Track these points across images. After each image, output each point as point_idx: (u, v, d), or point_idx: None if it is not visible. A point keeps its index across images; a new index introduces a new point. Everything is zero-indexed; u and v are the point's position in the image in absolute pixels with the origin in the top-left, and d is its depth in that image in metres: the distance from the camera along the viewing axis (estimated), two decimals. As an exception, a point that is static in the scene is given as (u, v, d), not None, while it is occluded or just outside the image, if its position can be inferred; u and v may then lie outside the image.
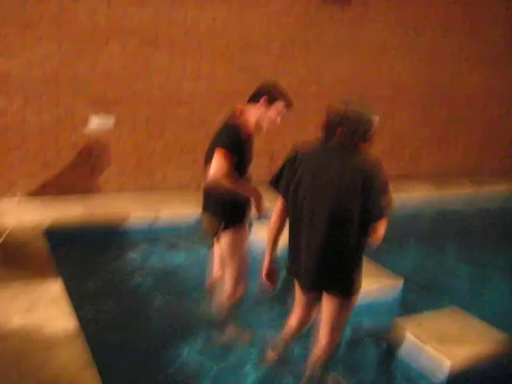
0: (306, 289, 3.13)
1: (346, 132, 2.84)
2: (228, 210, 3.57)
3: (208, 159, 3.45)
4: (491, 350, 3.42)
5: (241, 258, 3.70)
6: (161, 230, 5.57)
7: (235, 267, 3.71)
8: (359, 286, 3.03)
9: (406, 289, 4.43)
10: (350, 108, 2.87)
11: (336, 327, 3.15)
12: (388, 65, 7.59)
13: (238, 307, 3.86)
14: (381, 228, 2.79)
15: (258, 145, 3.67)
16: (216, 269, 4.06)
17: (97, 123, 5.94)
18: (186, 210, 5.62)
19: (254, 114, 3.48)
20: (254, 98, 3.49)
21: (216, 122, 6.44)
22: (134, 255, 5.07)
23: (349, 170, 2.80)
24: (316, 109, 7.45)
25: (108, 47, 5.90)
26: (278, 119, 3.50)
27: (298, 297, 3.29)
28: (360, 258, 2.97)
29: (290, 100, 3.50)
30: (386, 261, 5.07)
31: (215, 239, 3.74)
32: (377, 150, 8.49)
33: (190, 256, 5.13)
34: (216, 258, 4.01)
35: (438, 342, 3.45)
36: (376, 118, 2.90)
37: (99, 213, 5.48)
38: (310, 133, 7.28)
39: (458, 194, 7.44)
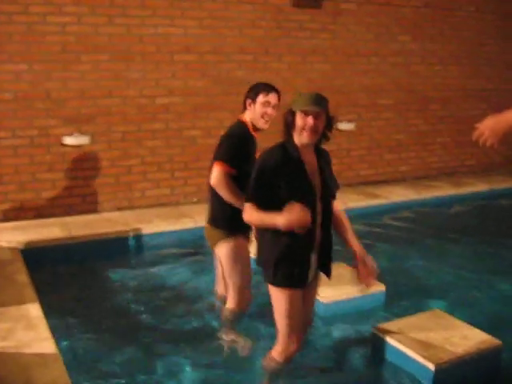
0: None
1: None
2: (226, 220, 3.63)
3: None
4: (475, 351, 3.40)
5: (242, 268, 3.72)
6: (144, 247, 5.58)
7: (237, 278, 3.73)
8: (275, 273, 3.00)
9: (388, 294, 4.41)
10: None
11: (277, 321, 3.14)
12: (362, 71, 7.62)
13: (240, 318, 3.87)
14: (246, 210, 2.94)
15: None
16: (219, 282, 4.12)
17: (71, 143, 5.86)
18: (167, 227, 5.76)
19: (247, 118, 3.69)
20: (243, 108, 3.73)
21: (192, 135, 6.49)
22: (116, 274, 4.98)
23: None
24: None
25: (79, 65, 5.86)
26: (268, 110, 3.60)
27: None
28: (273, 242, 2.97)
29: (268, 86, 3.64)
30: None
31: (214, 251, 3.78)
32: (354, 155, 8.51)
33: (177, 270, 5.09)
34: (218, 271, 4.06)
35: (422, 345, 3.43)
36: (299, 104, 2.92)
37: (78, 234, 5.39)
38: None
39: (437, 196, 7.47)
